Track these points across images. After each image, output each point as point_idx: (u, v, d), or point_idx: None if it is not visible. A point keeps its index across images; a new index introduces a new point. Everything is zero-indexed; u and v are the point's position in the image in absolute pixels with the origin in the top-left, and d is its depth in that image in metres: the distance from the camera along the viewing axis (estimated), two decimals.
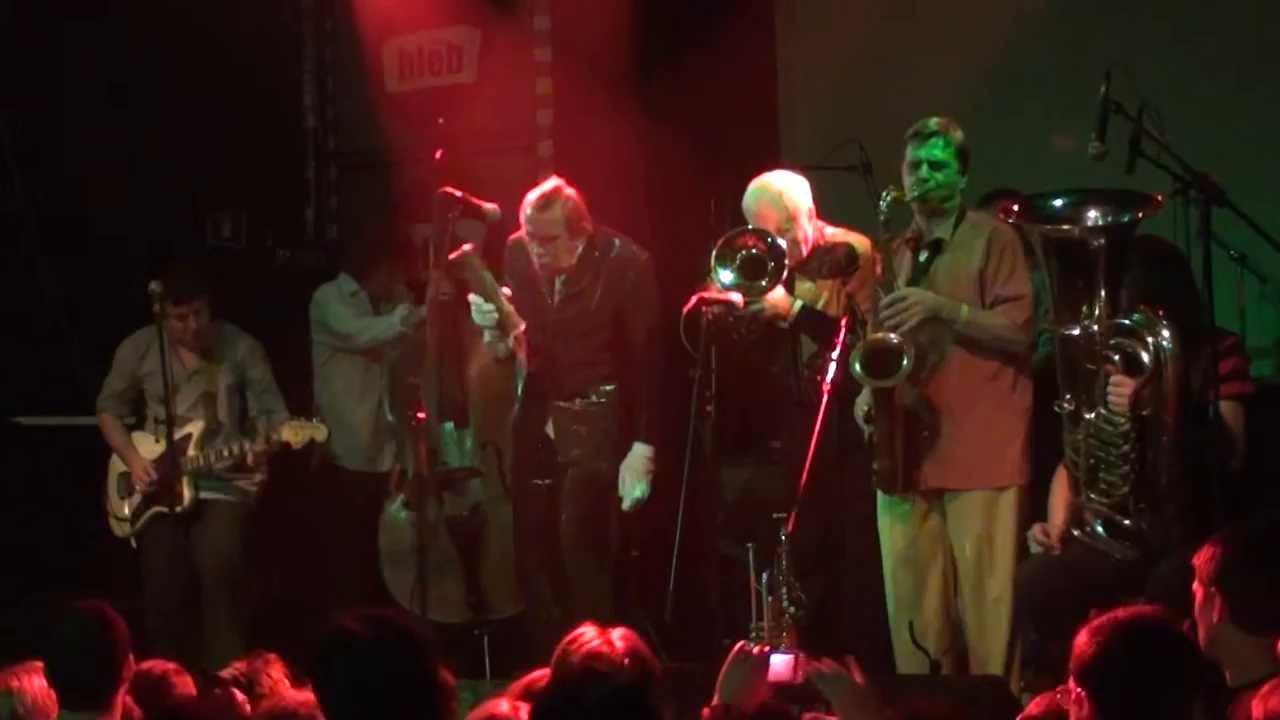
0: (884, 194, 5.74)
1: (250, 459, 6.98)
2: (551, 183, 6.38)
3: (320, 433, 6.99)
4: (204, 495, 7.00)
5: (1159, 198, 5.21)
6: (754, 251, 5.96)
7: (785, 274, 5.97)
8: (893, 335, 5.62)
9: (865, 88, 8.09)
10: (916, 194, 5.73)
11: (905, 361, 5.57)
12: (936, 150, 5.75)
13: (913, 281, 5.79)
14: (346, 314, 7.55)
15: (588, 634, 4.11)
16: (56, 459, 7.17)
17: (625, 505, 6.37)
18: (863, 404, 5.81)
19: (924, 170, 5.74)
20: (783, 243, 5.96)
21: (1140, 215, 5.17)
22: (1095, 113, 5.31)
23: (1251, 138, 7.27)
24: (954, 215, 5.82)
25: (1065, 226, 5.17)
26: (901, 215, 5.82)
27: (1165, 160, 5.28)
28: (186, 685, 4.37)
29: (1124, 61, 5.37)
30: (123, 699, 4.23)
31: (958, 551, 5.79)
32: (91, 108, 8.18)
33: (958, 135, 5.78)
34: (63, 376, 7.22)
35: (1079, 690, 3.48)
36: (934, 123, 5.78)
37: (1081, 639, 3.52)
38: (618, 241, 6.43)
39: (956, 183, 5.78)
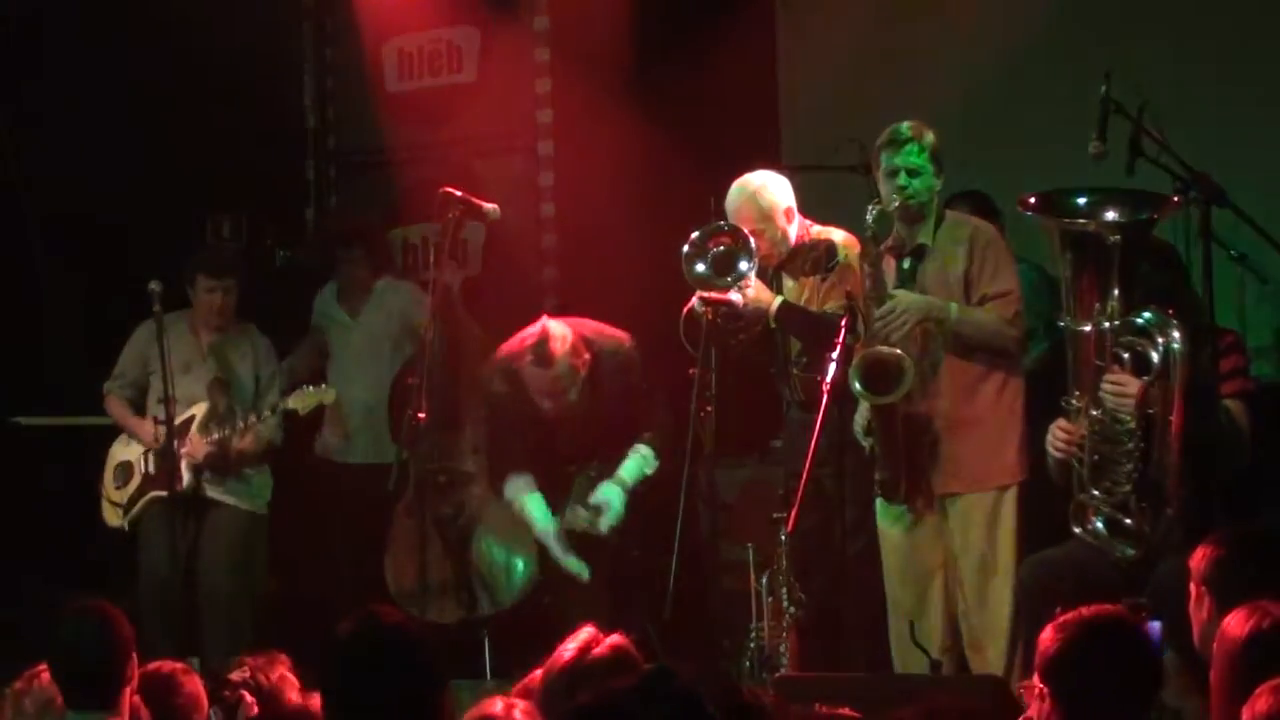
0: (870, 208, 5.73)
1: (246, 426, 6.90)
2: (541, 332, 6.27)
3: (329, 396, 6.95)
4: (213, 495, 6.95)
5: (1176, 199, 5.21)
6: (723, 248, 5.98)
7: (755, 268, 5.97)
8: (888, 347, 5.59)
9: (865, 88, 8.08)
10: (896, 202, 5.71)
11: (906, 375, 5.54)
12: (912, 156, 5.74)
13: (900, 288, 5.78)
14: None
15: (576, 639, 4.08)
16: (56, 459, 7.17)
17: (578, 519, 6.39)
18: (861, 418, 5.78)
19: (902, 177, 5.73)
20: (752, 239, 5.97)
21: (1157, 215, 5.18)
22: (1095, 113, 5.32)
23: (1252, 138, 7.26)
24: (933, 219, 5.81)
25: (1083, 221, 5.17)
26: (886, 227, 5.81)
27: (1165, 160, 5.29)
28: (195, 685, 4.37)
29: (1124, 61, 5.37)
30: (130, 699, 4.22)
31: (960, 552, 5.78)
32: (92, 107, 8.18)
33: (930, 139, 5.77)
34: (63, 376, 7.22)
35: (1042, 686, 3.53)
36: (905, 129, 5.77)
37: (1046, 635, 3.57)
38: (604, 345, 6.41)
39: (934, 186, 5.78)
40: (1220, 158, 5.94)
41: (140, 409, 7.08)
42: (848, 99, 8.09)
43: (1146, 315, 5.09)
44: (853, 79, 8.18)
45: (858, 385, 5.57)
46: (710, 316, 5.98)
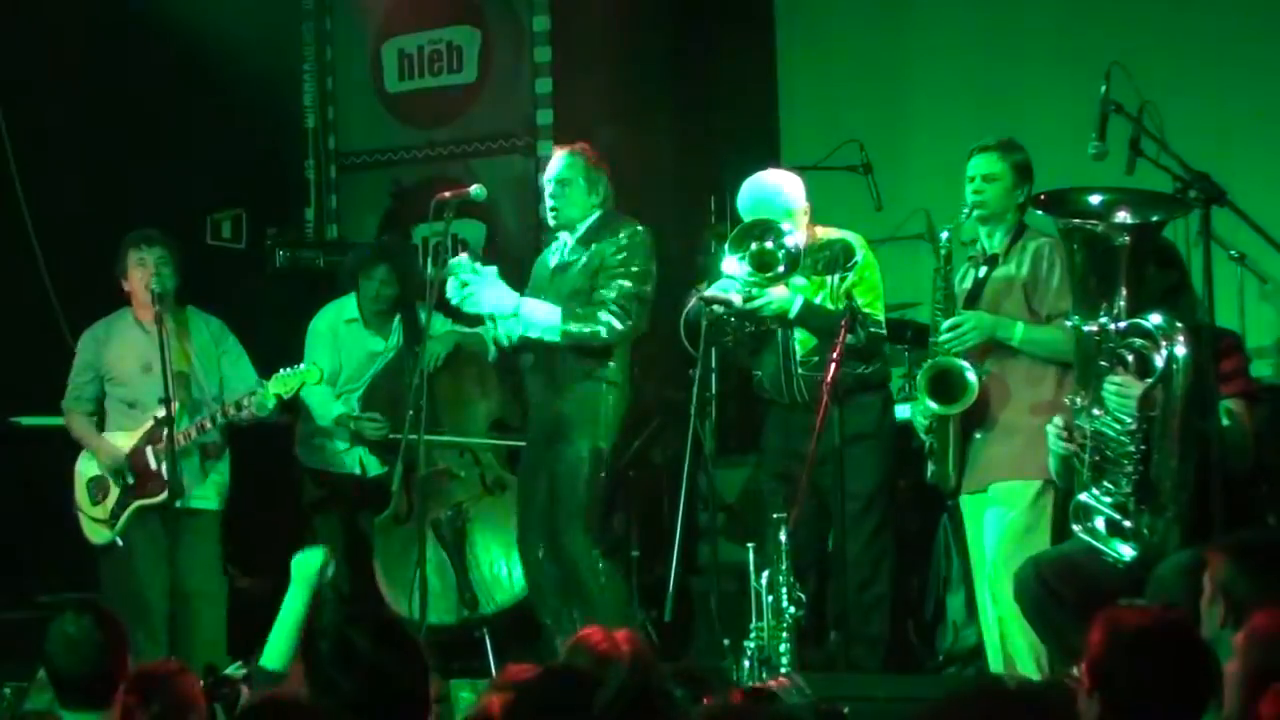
0: (943, 230, 5.77)
1: (229, 412, 6.82)
2: None
3: (312, 375, 6.82)
4: (195, 505, 6.90)
5: (1188, 202, 5.21)
6: (768, 245, 5.96)
7: (794, 268, 5.97)
8: (958, 360, 5.64)
9: (865, 88, 8.09)
10: (971, 204, 5.78)
11: (971, 388, 5.61)
12: (991, 163, 5.79)
13: (971, 296, 5.81)
14: (317, 352, 7.50)
15: (594, 636, 4.08)
16: (56, 459, 7.15)
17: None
18: (922, 415, 5.81)
19: (978, 183, 5.80)
20: (794, 238, 5.95)
21: (1169, 217, 5.18)
22: (1095, 113, 5.32)
23: (1251, 137, 7.27)
24: (1010, 230, 5.83)
25: (1092, 221, 5.17)
26: (961, 250, 5.85)
27: (1165, 160, 5.29)
28: (192, 685, 4.38)
29: (1124, 61, 5.38)
30: (121, 698, 4.23)
31: (996, 546, 5.76)
32: (91, 107, 8.18)
33: (1015, 151, 5.82)
34: (62, 376, 7.20)
35: (1090, 687, 3.46)
36: (992, 138, 5.86)
37: (1096, 637, 3.47)
38: None
39: (1009, 197, 5.80)
40: (1220, 158, 5.94)
41: (101, 423, 7.03)
42: (848, 99, 8.09)
43: (1153, 319, 5.08)
44: (852, 79, 8.19)
45: (924, 395, 5.65)
46: (710, 317, 5.98)
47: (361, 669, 3.49)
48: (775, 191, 6.18)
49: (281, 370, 6.84)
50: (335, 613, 3.71)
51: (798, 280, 6.13)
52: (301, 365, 6.91)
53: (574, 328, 6.21)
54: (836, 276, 6.09)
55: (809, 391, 6.11)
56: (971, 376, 5.63)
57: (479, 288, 6.27)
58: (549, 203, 6.45)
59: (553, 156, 6.57)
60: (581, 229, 6.39)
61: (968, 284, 5.88)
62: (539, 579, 6.47)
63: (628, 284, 6.21)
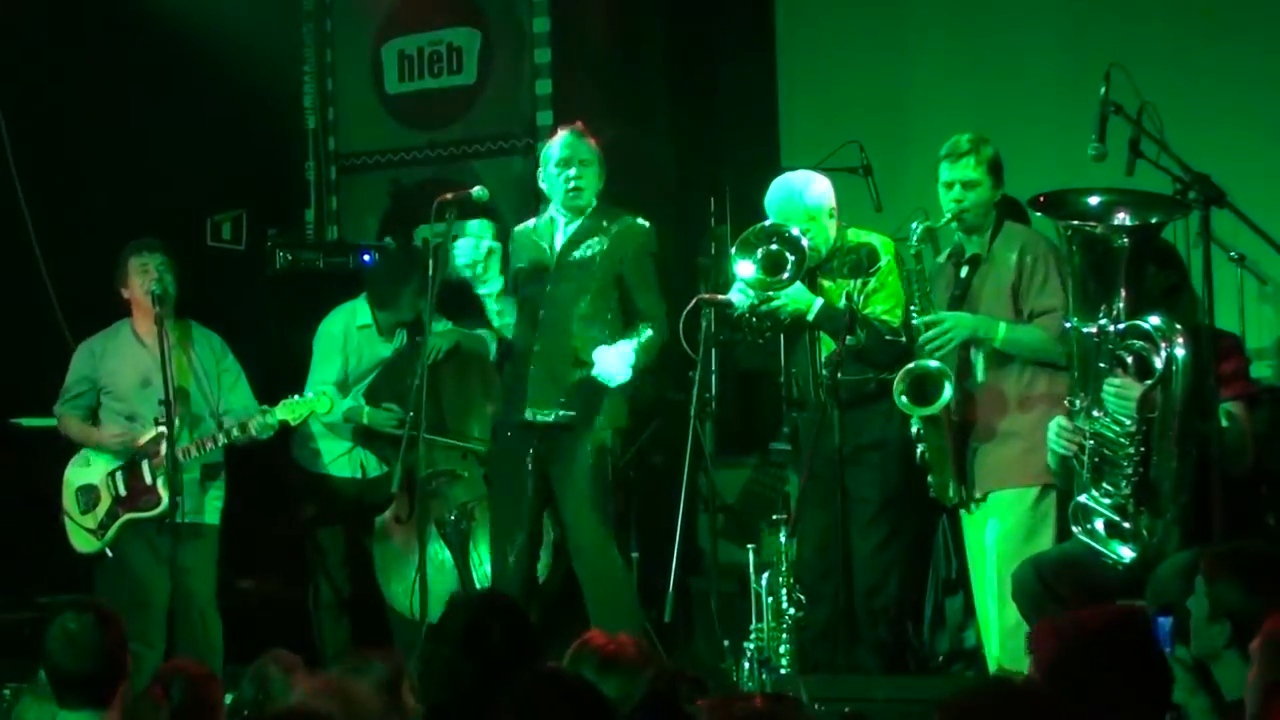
0: (913, 226, 5.75)
1: (231, 433, 6.79)
2: None
3: (321, 404, 6.85)
4: (191, 519, 6.84)
5: (1187, 204, 5.22)
6: (774, 247, 5.95)
7: (804, 271, 5.96)
8: (933, 362, 5.63)
9: (865, 89, 8.08)
10: (952, 213, 5.76)
11: (947, 389, 5.61)
12: (969, 169, 5.79)
13: (955, 298, 5.81)
14: (326, 355, 7.52)
15: (597, 640, 4.08)
16: (56, 459, 7.16)
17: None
18: (915, 422, 5.81)
19: (957, 191, 5.79)
20: (804, 240, 5.95)
21: (1168, 218, 5.18)
22: (1095, 114, 5.33)
23: (1252, 138, 7.26)
24: (989, 229, 5.84)
25: (1091, 223, 5.18)
26: (934, 241, 5.85)
27: (1165, 161, 5.29)
28: (219, 692, 4.40)
29: (1124, 61, 5.38)
30: (122, 698, 4.23)
31: (996, 550, 5.76)
32: (92, 107, 8.18)
33: (989, 151, 5.82)
34: (62, 377, 7.21)
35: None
36: (965, 141, 5.84)
37: (1045, 642, 3.50)
38: None
39: (990, 199, 5.82)
40: (1220, 158, 5.94)
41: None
42: (848, 100, 8.09)
43: (1152, 320, 5.08)
44: (853, 80, 8.19)
45: (902, 398, 5.64)
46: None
47: (487, 657, 3.44)
48: (800, 192, 6.17)
49: (291, 397, 6.84)
50: (468, 599, 3.63)
51: (825, 283, 6.13)
52: (309, 394, 6.93)
53: (646, 354, 6.25)
54: (859, 280, 6.08)
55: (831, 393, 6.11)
56: (948, 378, 5.61)
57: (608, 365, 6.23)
58: (571, 183, 6.33)
59: (558, 136, 6.44)
60: (587, 211, 6.37)
61: (949, 285, 5.85)
62: (512, 578, 6.43)
63: (661, 301, 6.32)
